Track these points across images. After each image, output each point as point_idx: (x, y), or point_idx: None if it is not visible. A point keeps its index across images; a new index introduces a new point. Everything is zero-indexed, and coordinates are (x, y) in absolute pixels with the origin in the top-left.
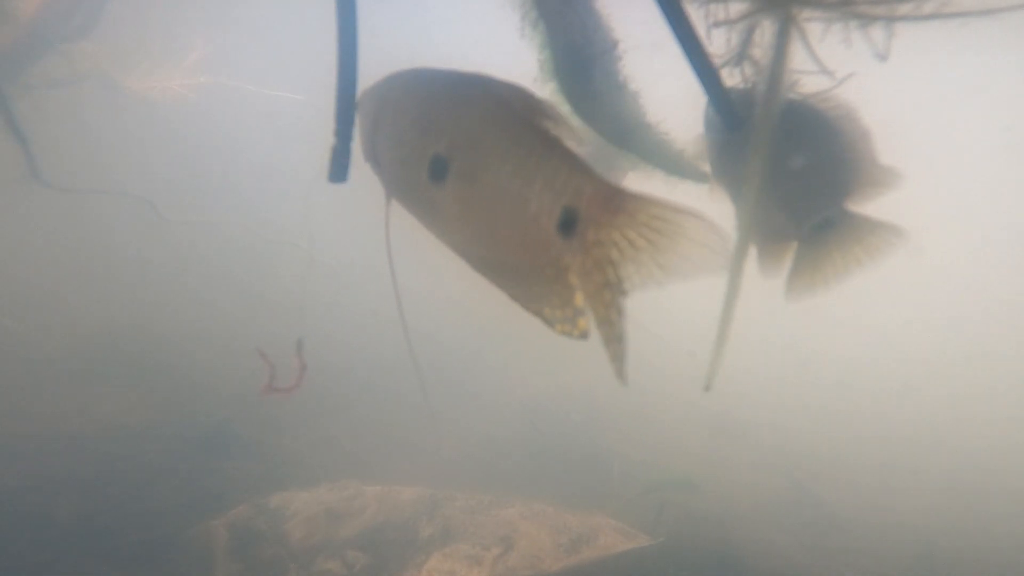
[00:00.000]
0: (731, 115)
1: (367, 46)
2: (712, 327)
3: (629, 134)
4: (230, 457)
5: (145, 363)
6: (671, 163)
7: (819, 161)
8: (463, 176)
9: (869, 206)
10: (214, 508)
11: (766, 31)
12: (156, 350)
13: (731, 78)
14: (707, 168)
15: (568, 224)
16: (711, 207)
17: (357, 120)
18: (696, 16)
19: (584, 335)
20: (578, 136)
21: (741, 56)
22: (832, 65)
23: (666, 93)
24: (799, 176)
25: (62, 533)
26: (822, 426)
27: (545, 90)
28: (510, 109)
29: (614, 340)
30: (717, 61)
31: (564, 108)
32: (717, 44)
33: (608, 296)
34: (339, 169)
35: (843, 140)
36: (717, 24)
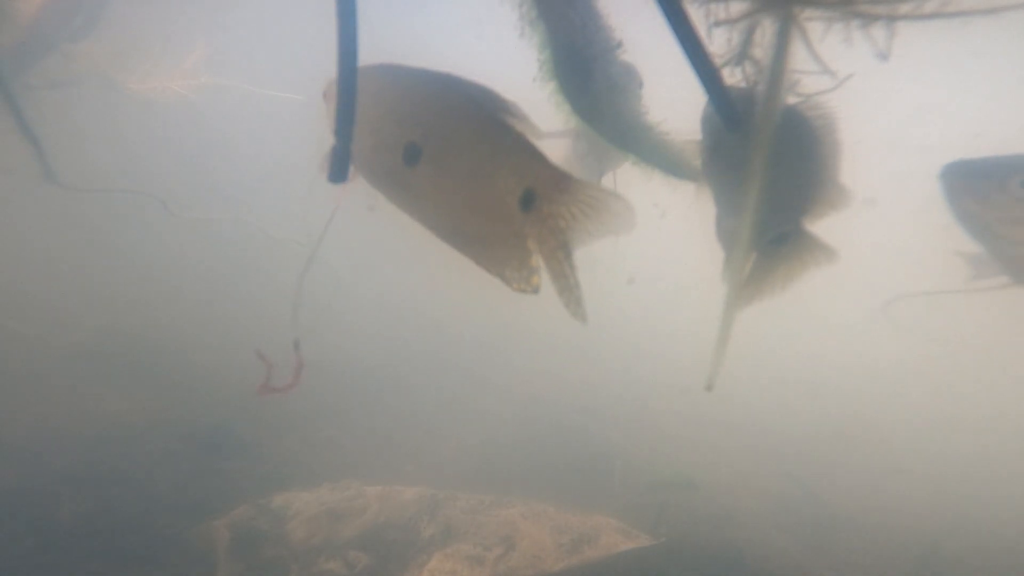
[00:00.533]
0: (731, 115)
1: (367, 46)
2: (714, 329)
3: (629, 134)
4: (231, 457)
5: (147, 362)
6: (670, 163)
7: (791, 176)
8: (437, 161)
9: (818, 224)
10: (216, 508)
11: (767, 30)
12: (158, 349)
13: (732, 77)
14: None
15: (527, 201)
16: (699, 208)
17: (327, 109)
18: (696, 16)
19: (536, 289)
20: (538, 131)
21: (742, 56)
22: (833, 65)
23: (666, 93)
24: (770, 189)
25: (64, 533)
26: (823, 426)
27: (545, 90)
28: (480, 106)
29: (568, 289)
30: (718, 61)
31: (564, 108)
32: (718, 44)
33: (561, 255)
34: (339, 169)
35: (817, 156)
36: (718, 24)
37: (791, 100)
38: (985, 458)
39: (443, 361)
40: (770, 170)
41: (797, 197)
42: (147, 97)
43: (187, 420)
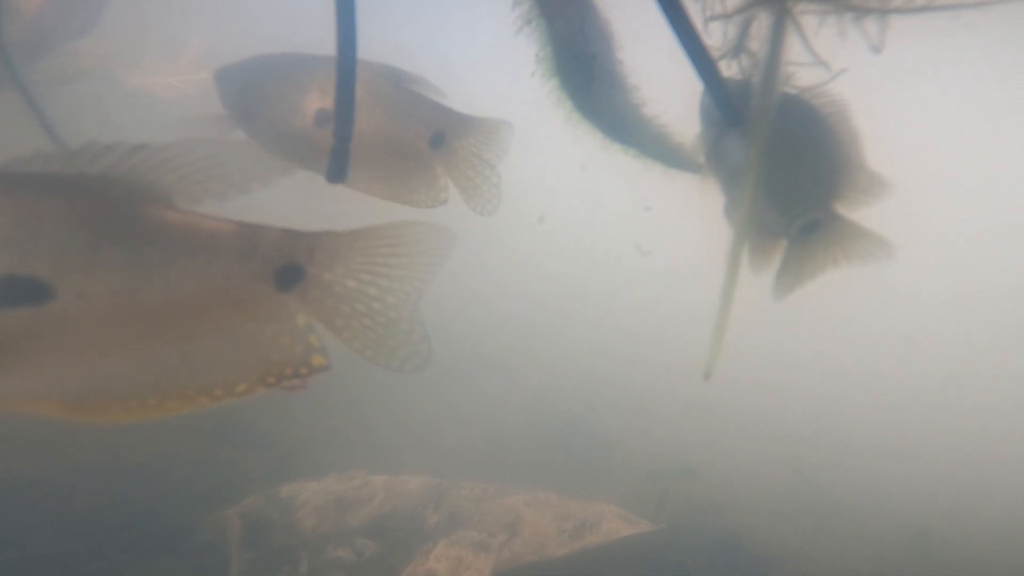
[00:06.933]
0: (730, 109)
1: (366, 47)
2: (710, 319)
3: (628, 129)
4: (239, 448)
5: None
6: (669, 156)
7: (809, 161)
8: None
9: (859, 213)
10: (225, 498)
11: (762, 24)
12: None
13: (728, 71)
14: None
15: (437, 141)
16: (702, 200)
17: (222, 93)
18: (694, 10)
19: (444, 201)
20: (441, 91)
21: (738, 49)
22: (828, 58)
23: (664, 87)
24: (789, 175)
25: (82, 523)
26: (820, 414)
27: (546, 88)
28: (385, 78)
29: (471, 190)
30: (715, 54)
31: (565, 105)
32: (714, 37)
33: (471, 173)
34: (338, 169)
35: (834, 142)
36: (714, 17)
37: (794, 89)
38: (978, 446)
39: (445, 353)
40: (781, 157)
41: (818, 183)
42: (150, 93)
43: (196, 411)
